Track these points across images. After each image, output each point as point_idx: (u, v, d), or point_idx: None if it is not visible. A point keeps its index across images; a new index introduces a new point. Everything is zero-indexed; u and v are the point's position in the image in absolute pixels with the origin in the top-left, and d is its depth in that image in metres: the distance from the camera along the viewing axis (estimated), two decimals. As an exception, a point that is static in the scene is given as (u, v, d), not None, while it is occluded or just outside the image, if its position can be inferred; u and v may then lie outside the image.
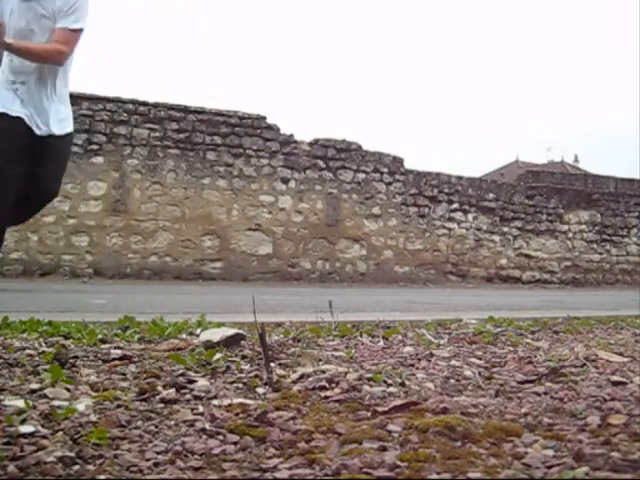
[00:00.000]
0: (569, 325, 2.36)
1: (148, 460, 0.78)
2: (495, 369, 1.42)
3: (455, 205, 7.59)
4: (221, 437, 0.88)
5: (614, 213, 8.74)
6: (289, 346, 1.63)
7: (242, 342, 1.63)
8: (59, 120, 3.33)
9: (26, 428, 0.86)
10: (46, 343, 1.58)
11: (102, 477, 0.72)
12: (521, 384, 1.25)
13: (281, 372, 1.31)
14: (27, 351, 1.44)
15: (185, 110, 6.22)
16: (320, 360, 1.45)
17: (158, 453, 0.81)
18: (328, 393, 1.13)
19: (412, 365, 1.45)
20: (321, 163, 6.81)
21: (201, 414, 0.98)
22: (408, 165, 7.38)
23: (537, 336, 2.05)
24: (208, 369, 1.32)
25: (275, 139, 6.61)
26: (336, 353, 1.57)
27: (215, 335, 1.61)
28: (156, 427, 0.91)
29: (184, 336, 1.79)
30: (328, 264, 6.78)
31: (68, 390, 1.10)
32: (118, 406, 1.01)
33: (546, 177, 8.71)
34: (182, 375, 1.25)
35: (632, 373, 1.34)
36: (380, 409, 1.02)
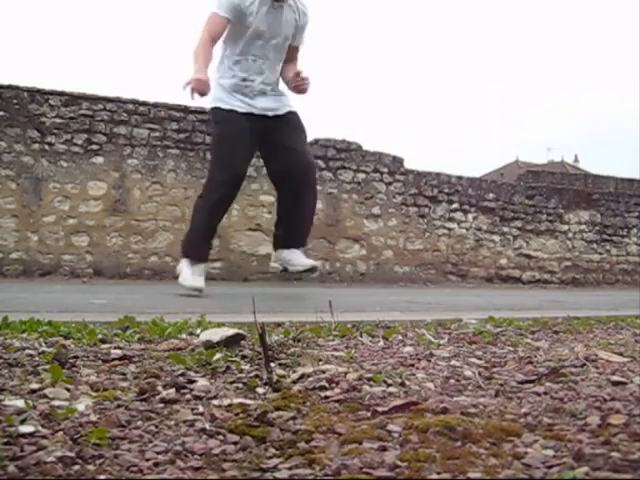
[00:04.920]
0: (569, 325, 2.36)
1: (148, 460, 0.78)
2: (495, 369, 1.42)
3: (455, 205, 7.59)
4: (221, 437, 0.88)
5: (614, 213, 8.73)
6: (289, 346, 1.63)
7: (242, 342, 1.63)
8: None
9: (26, 428, 0.86)
10: (46, 343, 1.58)
11: (102, 477, 0.72)
12: (521, 384, 1.25)
13: (281, 372, 1.31)
14: (27, 351, 1.44)
15: (185, 110, 6.21)
16: (320, 360, 1.45)
17: (158, 453, 0.81)
18: (328, 393, 1.13)
19: (412, 365, 1.44)
20: (321, 163, 6.81)
21: (201, 414, 0.98)
22: (408, 165, 7.37)
23: (537, 336, 2.05)
24: (208, 369, 1.32)
25: (275, 139, 6.61)
26: (336, 353, 1.56)
27: (215, 335, 1.61)
28: (156, 427, 0.91)
29: (184, 336, 1.79)
30: (328, 264, 6.78)
31: (68, 390, 1.10)
32: (118, 406, 1.01)
33: (546, 177, 8.71)
34: (182, 375, 1.25)
35: (632, 373, 1.34)
36: (380, 409, 1.02)
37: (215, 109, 4.00)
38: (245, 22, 3.86)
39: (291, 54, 4.13)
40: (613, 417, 0.94)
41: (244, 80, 3.95)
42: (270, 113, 4.02)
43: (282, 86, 4.16)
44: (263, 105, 4.00)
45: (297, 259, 4.18)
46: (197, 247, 4.10)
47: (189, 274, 4.01)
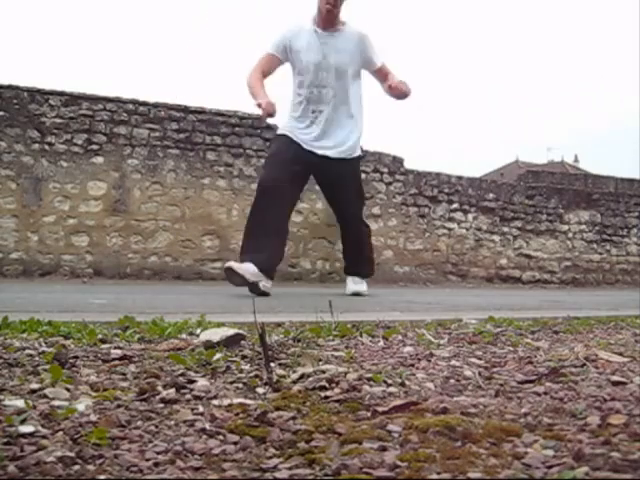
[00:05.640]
0: (569, 325, 2.36)
1: (148, 460, 0.78)
2: (495, 369, 1.42)
3: (455, 205, 7.59)
4: (221, 437, 0.88)
5: (614, 213, 8.73)
6: (289, 346, 1.63)
7: (242, 342, 1.63)
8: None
9: (26, 428, 0.86)
10: (46, 343, 1.58)
11: (102, 477, 0.72)
12: (521, 384, 1.25)
13: (281, 372, 1.31)
14: (27, 351, 1.44)
15: (185, 110, 6.21)
16: (320, 360, 1.44)
17: (158, 453, 0.81)
18: (328, 393, 1.13)
19: (412, 365, 1.44)
20: (321, 163, 6.80)
21: (201, 414, 0.98)
22: (408, 165, 7.37)
23: (537, 336, 2.05)
24: (208, 369, 1.32)
25: (275, 139, 6.61)
26: (336, 353, 1.56)
27: (215, 335, 1.61)
28: (156, 427, 0.91)
29: (184, 336, 1.79)
30: (328, 264, 6.78)
31: (68, 390, 1.10)
32: (118, 406, 1.01)
33: (546, 177, 8.70)
34: (182, 375, 1.25)
35: (632, 373, 1.34)
36: (380, 409, 1.02)
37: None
38: (298, 56, 4.01)
39: (380, 74, 4.23)
40: (613, 417, 0.94)
41: (313, 112, 4.09)
42: (319, 152, 4.11)
43: (355, 120, 4.22)
44: (316, 143, 4.11)
45: (349, 285, 4.64)
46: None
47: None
